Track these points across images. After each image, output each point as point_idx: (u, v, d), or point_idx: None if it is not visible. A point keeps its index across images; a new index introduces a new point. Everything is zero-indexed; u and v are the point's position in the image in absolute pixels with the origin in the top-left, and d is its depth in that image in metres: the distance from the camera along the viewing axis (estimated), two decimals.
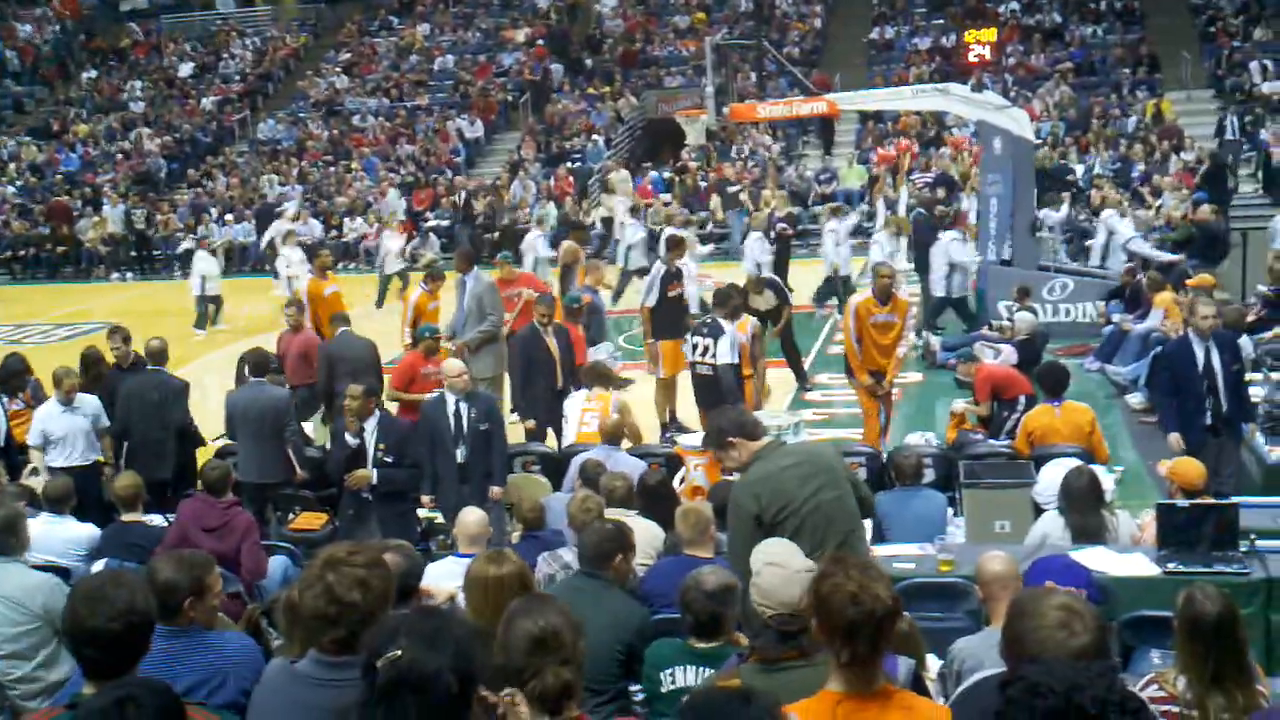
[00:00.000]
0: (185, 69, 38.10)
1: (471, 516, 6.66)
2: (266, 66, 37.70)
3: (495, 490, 9.02)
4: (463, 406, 9.02)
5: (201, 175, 32.14)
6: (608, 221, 25.27)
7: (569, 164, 29.67)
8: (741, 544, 5.13)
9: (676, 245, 13.66)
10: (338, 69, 36.34)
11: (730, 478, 8.74)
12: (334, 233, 28.29)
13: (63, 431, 9.59)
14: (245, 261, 28.26)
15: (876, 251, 17.17)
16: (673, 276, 12.92)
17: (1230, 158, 23.71)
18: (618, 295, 19.31)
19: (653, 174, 28.25)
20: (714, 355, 10.76)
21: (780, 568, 3.96)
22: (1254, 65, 28.29)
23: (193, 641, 4.35)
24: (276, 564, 7.63)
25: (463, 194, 28.78)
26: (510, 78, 34.58)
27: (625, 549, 5.51)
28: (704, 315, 11.67)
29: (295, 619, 3.64)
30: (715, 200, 26.89)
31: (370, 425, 8.75)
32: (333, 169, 31.57)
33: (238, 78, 37.27)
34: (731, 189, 26.35)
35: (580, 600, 4.95)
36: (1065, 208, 20.44)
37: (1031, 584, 4.07)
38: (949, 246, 16.25)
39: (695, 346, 11.01)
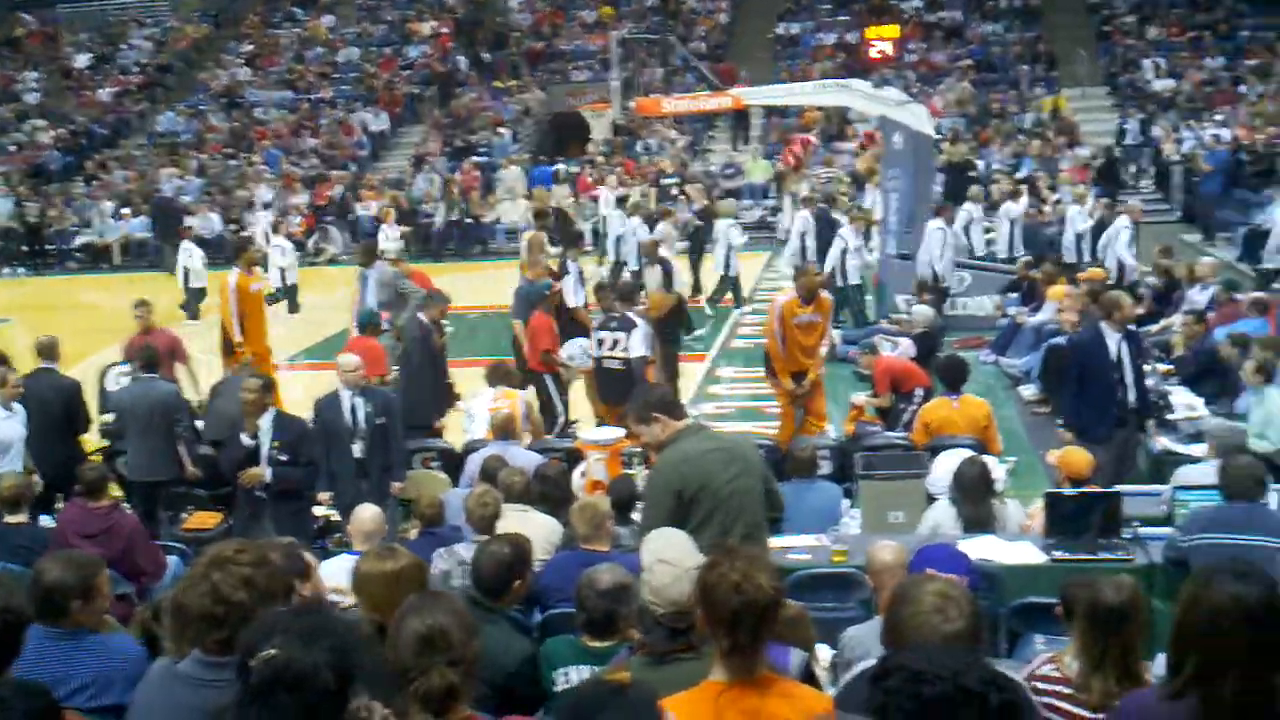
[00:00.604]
0: (82, 59, 37.31)
1: (366, 513, 6.60)
2: (166, 57, 37.02)
3: (395, 485, 8.95)
4: (358, 402, 8.93)
5: (97, 168, 31.46)
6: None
7: (474, 158, 29.51)
8: (657, 517, 5.22)
9: (537, 246, 13.69)
10: (239, 60, 35.83)
11: (629, 471, 8.87)
12: (234, 226, 27.80)
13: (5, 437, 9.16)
14: (143, 257, 27.71)
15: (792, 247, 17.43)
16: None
17: (1133, 164, 24.22)
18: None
19: (559, 167, 28.21)
20: (626, 349, 10.76)
21: (671, 565, 3.98)
22: (1147, 63, 29.01)
23: (79, 644, 4.29)
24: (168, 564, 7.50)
25: (339, 190, 28.48)
26: (416, 71, 34.31)
27: (524, 573, 5.39)
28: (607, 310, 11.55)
29: (180, 619, 3.58)
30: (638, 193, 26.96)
31: (265, 423, 8.63)
32: (233, 162, 31.07)
33: (136, 69, 36.56)
34: (666, 181, 26.38)
35: None
36: (1024, 199, 20.70)
37: (915, 572, 4.14)
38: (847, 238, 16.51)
39: (602, 341, 10.95)
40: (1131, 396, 9.15)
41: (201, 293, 20.60)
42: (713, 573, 3.32)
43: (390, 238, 20.49)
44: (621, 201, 22.05)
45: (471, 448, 9.54)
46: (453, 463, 9.76)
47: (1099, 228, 17.53)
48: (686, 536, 4.38)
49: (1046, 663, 4.41)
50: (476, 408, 10.47)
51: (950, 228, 16.83)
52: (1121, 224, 16.75)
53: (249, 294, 12.74)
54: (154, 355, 10.04)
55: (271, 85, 34.54)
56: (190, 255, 20.94)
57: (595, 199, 25.57)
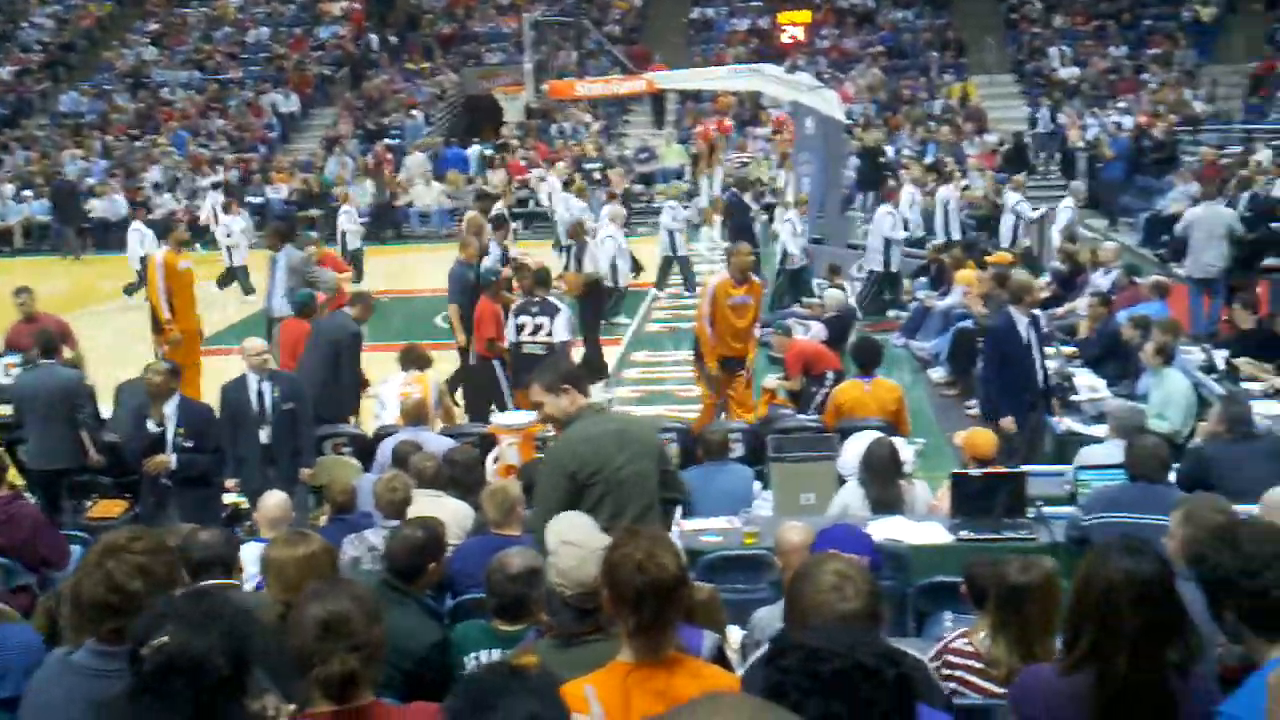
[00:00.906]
0: None
1: (271, 500, 6.52)
2: (69, 36, 36.10)
3: (305, 472, 8.86)
4: (265, 386, 8.82)
5: None
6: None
7: (387, 140, 29.22)
8: (551, 498, 5.23)
9: (501, 225, 13.59)
10: (145, 39, 35.05)
11: (542, 455, 8.85)
12: (138, 209, 27.25)
13: None
14: (44, 240, 27.10)
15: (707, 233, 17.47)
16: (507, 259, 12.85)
17: (1041, 151, 24.60)
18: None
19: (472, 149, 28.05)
20: (549, 333, 10.70)
21: (577, 547, 3.98)
22: (1054, 51, 29.52)
23: None
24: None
25: (235, 173, 28.07)
26: (327, 52, 33.86)
27: (438, 557, 5.38)
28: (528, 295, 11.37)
29: (75, 608, 3.53)
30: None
31: (170, 409, 8.48)
32: (139, 143, 30.45)
33: (38, 47, 35.59)
34: (589, 165, 26.31)
35: None
36: (958, 185, 20.78)
37: (817, 551, 4.20)
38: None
39: (523, 326, 10.84)
40: (1040, 379, 9.35)
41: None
42: (617, 553, 3.34)
43: (352, 220, 20.16)
44: (568, 185, 21.91)
45: (383, 433, 9.47)
46: (364, 448, 9.67)
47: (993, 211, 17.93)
48: (590, 519, 4.39)
49: (960, 637, 4.50)
50: (387, 393, 10.39)
51: (898, 211, 17.08)
52: (1065, 204, 17.29)
53: (177, 272, 12.62)
54: (52, 340, 9.82)
55: (178, 65, 33.86)
56: (142, 237, 20.42)
57: (525, 184, 25.53)
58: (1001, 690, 4.22)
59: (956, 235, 17.93)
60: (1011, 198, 17.72)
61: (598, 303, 13.71)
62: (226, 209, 21.73)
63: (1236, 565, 3.29)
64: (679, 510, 7.89)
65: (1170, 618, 3.27)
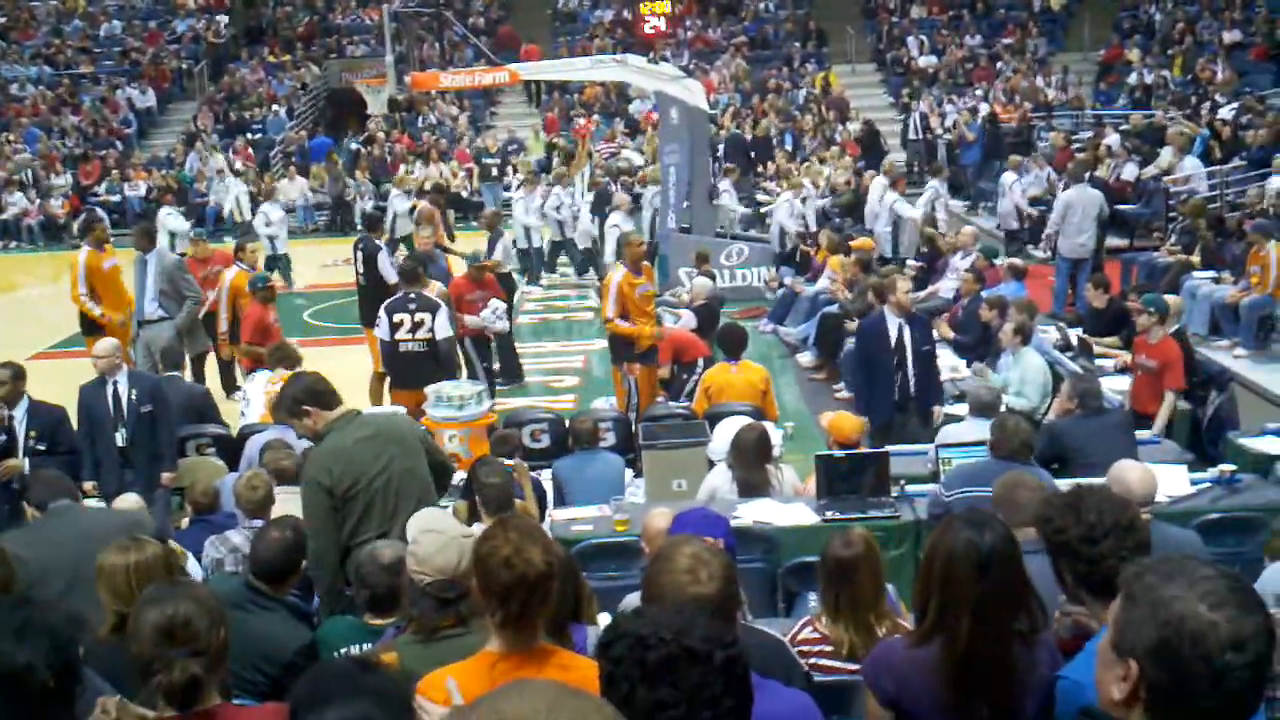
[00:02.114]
0: None
1: (124, 504, 6.35)
2: None
3: (166, 476, 8.65)
4: (122, 388, 8.59)
5: None
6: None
7: (249, 135, 28.62)
8: (315, 517, 5.23)
9: (426, 219, 13.30)
10: None
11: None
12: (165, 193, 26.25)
13: None
14: None
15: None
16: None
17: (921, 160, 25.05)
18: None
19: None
20: (431, 330, 10.43)
21: (437, 533, 3.96)
22: (911, 40, 30.11)
23: None
24: None
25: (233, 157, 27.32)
26: (184, 45, 33.01)
27: (304, 556, 5.29)
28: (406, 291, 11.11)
29: None
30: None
31: (19, 412, 8.22)
32: None
33: None
34: (487, 160, 26.06)
35: (238, 618, 4.75)
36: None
37: (674, 534, 4.24)
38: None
39: (400, 324, 10.38)
40: (912, 383, 9.17)
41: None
42: (485, 545, 3.32)
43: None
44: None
45: (249, 431, 9.29)
46: (229, 448, 9.48)
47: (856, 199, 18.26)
48: (446, 512, 4.38)
49: (805, 625, 4.57)
50: (253, 391, 10.20)
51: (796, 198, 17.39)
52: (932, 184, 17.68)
53: (100, 271, 12.29)
54: None
55: (27, 60, 32.69)
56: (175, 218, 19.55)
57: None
58: (854, 667, 4.32)
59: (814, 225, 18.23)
60: (890, 197, 17.71)
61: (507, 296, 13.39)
62: (269, 195, 20.99)
63: (1078, 532, 3.41)
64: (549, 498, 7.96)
65: (1013, 587, 3.36)
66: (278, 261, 19.18)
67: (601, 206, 18.33)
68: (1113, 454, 6.91)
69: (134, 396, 8.61)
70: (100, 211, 23.86)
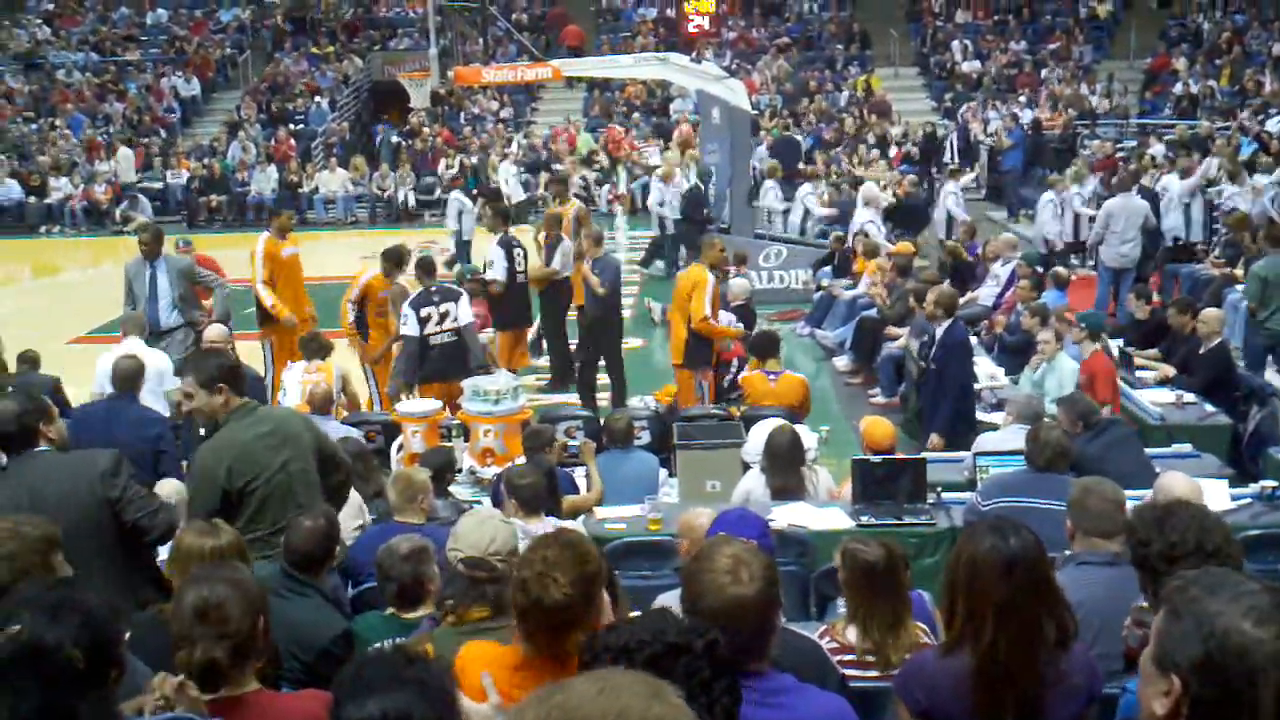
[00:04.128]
0: None
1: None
2: None
3: None
4: None
5: None
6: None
7: (291, 125, 28.80)
8: (202, 506, 5.13)
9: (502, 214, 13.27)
10: (39, 20, 34.09)
11: (447, 444, 8.82)
12: (33, 198, 26.62)
13: None
14: None
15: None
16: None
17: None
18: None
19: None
20: (455, 319, 10.54)
21: (477, 515, 4.02)
22: (956, 45, 29.95)
23: None
24: None
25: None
26: (229, 35, 33.25)
27: (337, 542, 5.33)
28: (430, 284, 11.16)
29: None
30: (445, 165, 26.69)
31: None
32: (34, 126, 29.67)
33: None
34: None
35: (274, 604, 4.78)
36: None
37: (713, 535, 4.24)
38: None
39: (427, 318, 10.43)
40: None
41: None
42: (520, 561, 3.29)
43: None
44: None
45: None
46: None
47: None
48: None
49: (823, 635, 4.56)
50: (290, 380, 10.25)
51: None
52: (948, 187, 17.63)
53: (278, 259, 11.96)
54: None
55: (74, 47, 33.01)
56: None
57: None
58: (874, 674, 4.31)
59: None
60: (949, 186, 17.95)
61: (562, 303, 13.08)
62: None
63: (1159, 548, 3.40)
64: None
65: (1039, 594, 3.34)
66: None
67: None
68: (1129, 466, 6.91)
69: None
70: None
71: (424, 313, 10.42)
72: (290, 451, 5.29)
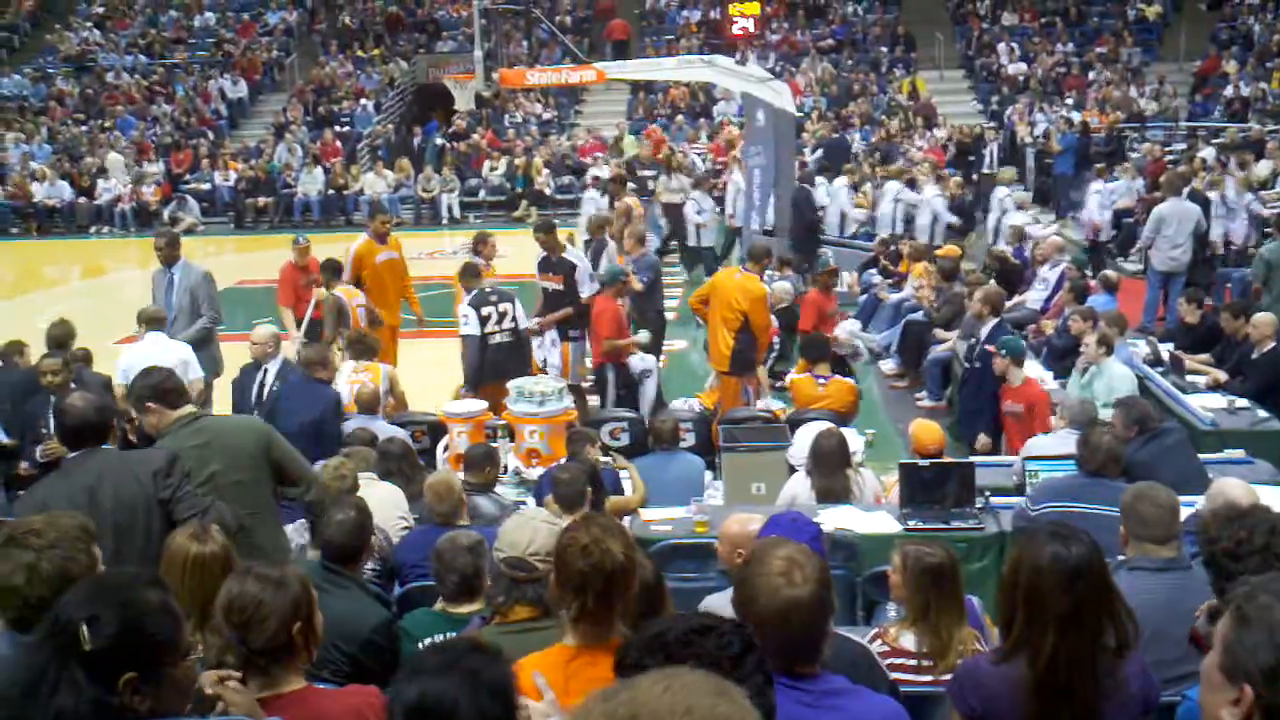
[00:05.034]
0: None
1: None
2: (10, 18, 35.48)
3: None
4: (270, 376, 8.76)
5: None
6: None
7: (336, 127, 28.99)
8: None
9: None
10: (89, 23, 34.50)
11: (494, 444, 8.82)
12: (83, 198, 26.92)
13: None
14: None
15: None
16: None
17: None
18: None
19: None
20: (514, 319, 10.60)
21: (520, 515, 4.04)
22: (1002, 47, 29.73)
23: None
24: None
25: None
26: (275, 37, 33.52)
27: (371, 533, 5.40)
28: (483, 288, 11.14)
29: None
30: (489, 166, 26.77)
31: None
32: (84, 128, 30.02)
33: None
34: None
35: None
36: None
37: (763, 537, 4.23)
38: None
39: (487, 318, 10.51)
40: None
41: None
42: (565, 536, 3.36)
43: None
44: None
45: None
46: None
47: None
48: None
49: (874, 639, 4.52)
50: (338, 380, 10.30)
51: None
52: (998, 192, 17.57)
53: (370, 263, 11.85)
54: None
55: (123, 49, 33.38)
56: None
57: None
58: (928, 679, 4.27)
59: (900, 229, 18.06)
60: (892, 187, 18.03)
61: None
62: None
63: (1226, 546, 3.36)
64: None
65: (1100, 602, 3.29)
66: None
67: None
68: (1182, 472, 6.81)
69: (274, 388, 8.73)
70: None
71: (484, 312, 10.51)
72: (220, 464, 5.33)
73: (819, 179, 19.02)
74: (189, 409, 5.57)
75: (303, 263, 12.34)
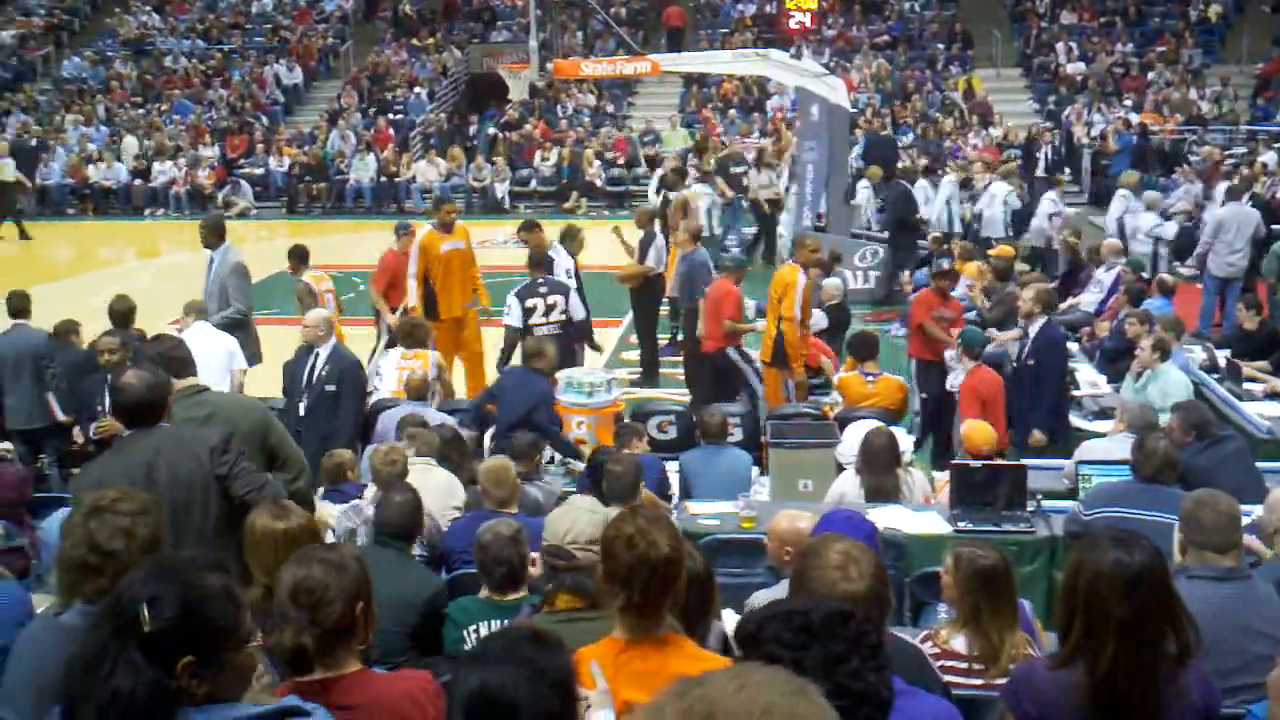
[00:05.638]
0: None
1: None
2: (71, 2, 35.90)
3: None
4: (320, 361, 8.81)
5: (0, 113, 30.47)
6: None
7: (390, 115, 29.12)
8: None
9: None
10: (148, 7, 34.87)
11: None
12: (139, 181, 27.20)
13: None
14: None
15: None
16: None
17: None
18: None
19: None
20: (565, 311, 10.59)
21: (566, 504, 4.05)
22: (1060, 46, 29.41)
23: None
24: (58, 518, 7.30)
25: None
26: (331, 24, 33.72)
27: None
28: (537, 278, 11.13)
29: (60, 568, 3.51)
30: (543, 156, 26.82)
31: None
32: (141, 111, 30.33)
33: (41, 11, 35.39)
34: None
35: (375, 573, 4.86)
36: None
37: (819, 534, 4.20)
38: None
39: (533, 309, 10.55)
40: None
41: None
42: (612, 528, 3.34)
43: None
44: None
45: (381, 406, 9.43)
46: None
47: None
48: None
49: (924, 640, 4.48)
50: (385, 366, 10.35)
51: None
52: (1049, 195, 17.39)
53: (435, 254, 11.60)
54: (26, 302, 9.89)
55: (181, 33, 33.70)
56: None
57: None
58: (979, 682, 4.22)
59: (957, 227, 17.91)
60: (1001, 188, 17.91)
61: (654, 298, 13.06)
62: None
63: None
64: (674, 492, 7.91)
65: (1162, 610, 3.24)
66: None
67: None
68: (1240, 479, 6.71)
69: (324, 372, 8.77)
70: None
71: (529, 303, 10.50)
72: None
73: (920, 180, 18.79)
74: (192, 381, 5.65)
75: (406, 249, 12.08)
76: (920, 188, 18.49)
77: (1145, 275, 12.88)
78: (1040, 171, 22.10)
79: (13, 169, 24.77)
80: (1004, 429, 8.72)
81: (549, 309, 10.49)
